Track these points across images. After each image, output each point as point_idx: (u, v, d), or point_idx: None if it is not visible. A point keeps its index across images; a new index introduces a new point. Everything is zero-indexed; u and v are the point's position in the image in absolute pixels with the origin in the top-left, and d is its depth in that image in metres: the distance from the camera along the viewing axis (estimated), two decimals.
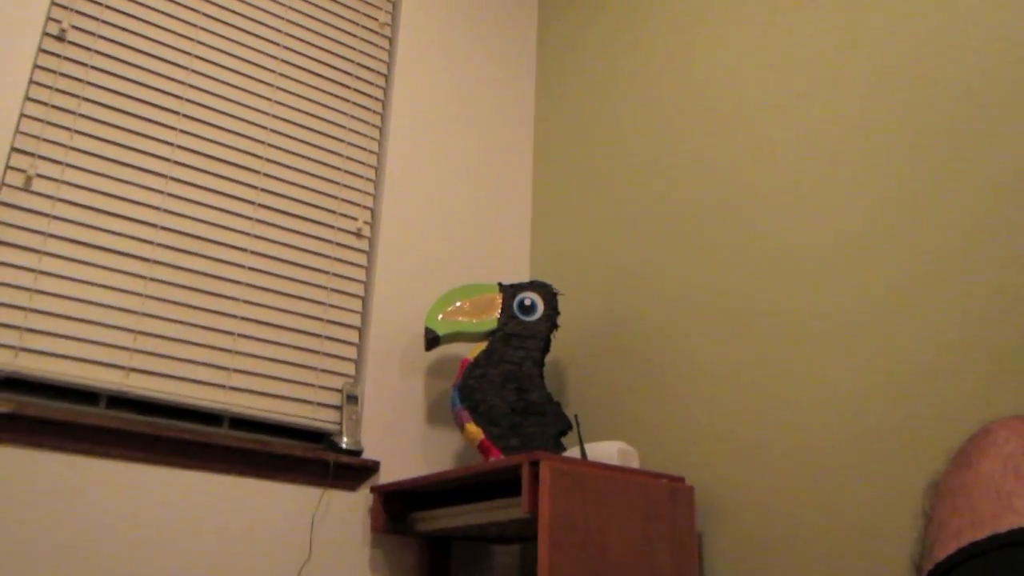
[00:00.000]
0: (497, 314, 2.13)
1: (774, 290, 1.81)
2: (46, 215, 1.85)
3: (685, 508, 1.76)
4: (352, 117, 2.40)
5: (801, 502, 1.63)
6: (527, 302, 2.14)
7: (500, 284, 2.18)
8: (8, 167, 1.83)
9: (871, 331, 1.59)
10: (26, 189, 1.84)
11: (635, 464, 1.83)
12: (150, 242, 1.98)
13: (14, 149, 1.85)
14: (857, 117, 1.72)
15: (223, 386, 1.99)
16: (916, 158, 1.59)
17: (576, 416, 1.92)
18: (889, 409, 1.53)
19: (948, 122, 1.56)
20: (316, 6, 2.41)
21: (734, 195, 1.97)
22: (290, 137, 2.27)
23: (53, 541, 1.68)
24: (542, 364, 2.09)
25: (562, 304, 2.40)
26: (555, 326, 2.13)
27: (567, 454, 1.83)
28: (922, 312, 1.52)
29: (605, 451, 1.81)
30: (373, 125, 2.45)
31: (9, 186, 1.82)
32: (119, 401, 1.88)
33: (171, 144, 2.06)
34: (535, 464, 1.61)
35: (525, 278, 2.59)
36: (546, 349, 2.11)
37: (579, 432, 1.87)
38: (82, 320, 1.85)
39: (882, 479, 1.51)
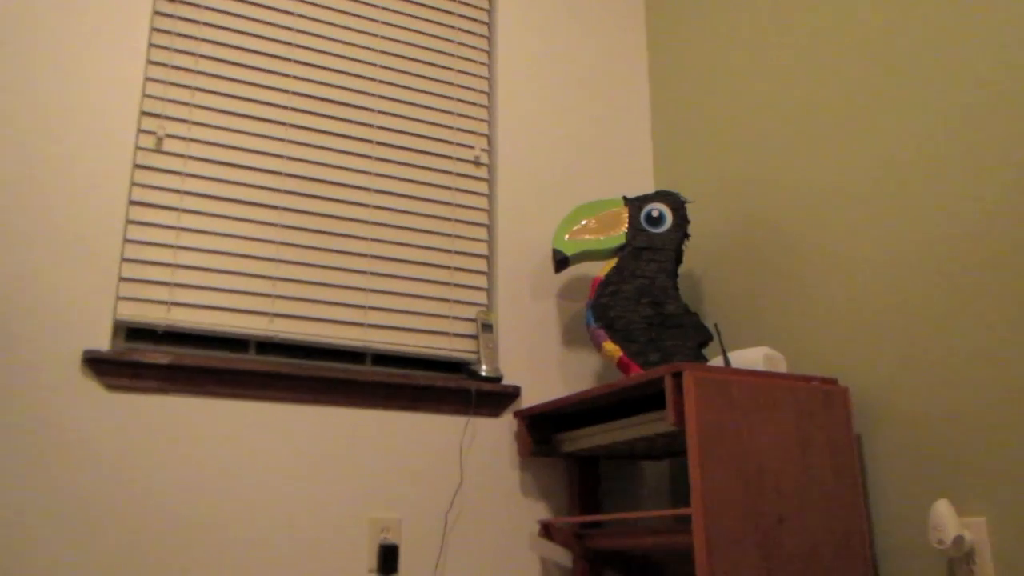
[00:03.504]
0: (624, 229, 2.07)
1: (914, 177, 1.67)
2: (179, 173, 1.92)
3: (840, 410, 1.68)
4: (459, 44, 2.36)
5: (963, 391, 1.52)
6: (655, 213, 2.07)
7: (625, 198, 2.12)
8: (140, 131, 1.90)
9: None
10: (158, 150, 1.91)
11: (782, 369, 1.75)
12: (278, 190, 2.02)
13: (143, 112, 1.91)
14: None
15: (362, 324, 2.04)
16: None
17: (716, 325, 1.85)
18: None
19: None
20: None
21: (855, 89, 1.82)
22: (400, 71, 2.25)
23: (215, 481, 1.77)
24: (676, 275, 2.03)
25: (691, 212, 2.31)
26: (686, 235, 2.06)
27: (710, 365, 1.78)
28: None
29: (750, 358, 1.75)
30: (481, 49, 2.40)
31: (143, 149, 1.90)
32: (267, 346, 1.95)
33: (286, 91, 2.09)
34: (677, 375, 1.57)
35: (650, 190, 2.51)
36: (678, 260, 2.05)
37: (720, 341, 1.80)
38: (224, 271, 1.92)
39: None
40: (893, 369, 1.68)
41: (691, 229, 2.30)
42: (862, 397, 1.73)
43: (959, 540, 1.46)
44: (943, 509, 1.48)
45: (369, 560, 1.87)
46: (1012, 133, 1.52)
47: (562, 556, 2.07)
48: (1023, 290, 1.46)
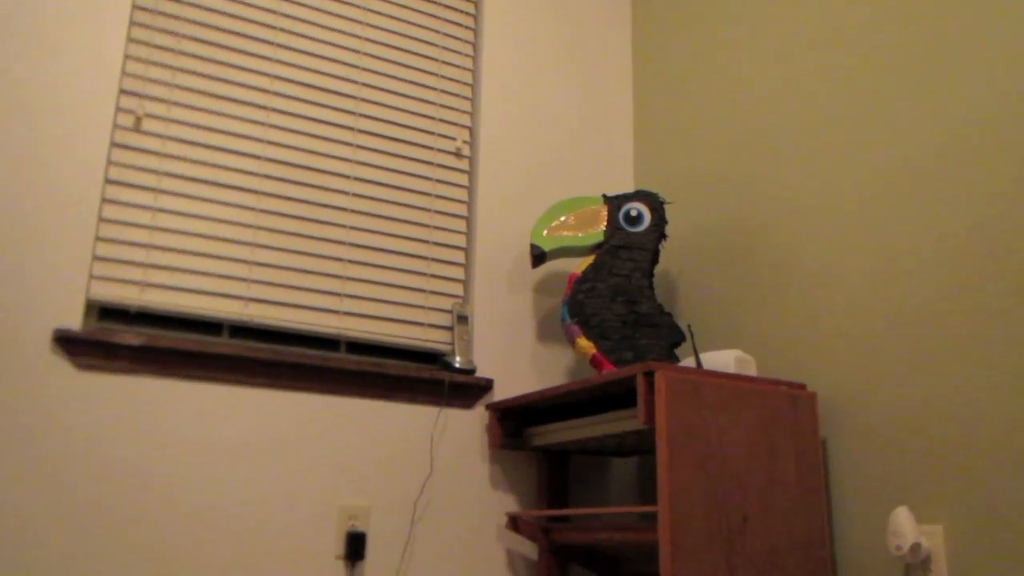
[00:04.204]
0: (603, 226, 2.09)
1: (890, 188, 1.69)
2: (158, 153, 1.91)
3: (807, 415, 1.71)
4: (445, 35, 2.36)
5: (928, 401, 1.55)
6: (633, 212, 2.08)
7: (604, 196, 2.13)
8: (119, 109, 1.88)
9: (1010, 232, 1.48)
10: (137, 130, 1.89)
11: (752, 372, 1.78)
12: (257, 174, 2.01)
13: (122, 91, 1.89)
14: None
15: (337, 311, 2.04)
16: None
17: (689, 326, 1.87)
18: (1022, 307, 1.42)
19: None
20: None
21: (836, 96, 1.84)
22: (384, 60, 2.24)
23: (187, 463, 1.77)
24: (651, 275, 2.04)
25: (669, 213, 2.33)
26: (663, 236, 2.07)
27: (682, 365, 1.80)
28: None
29: (721, 360, 1.77)
30: (466, 41, 2.40)
31: (121, 128, 1.88)
32: (241, 330, 1.95)
33: (269, 75, 2.07)
34: (650, 375, 1.59)
35: (630, 189, 2.52)
36: (655, 260, 2.06)
37: (693, 342, 1.82)
38: (200, 254, 1.91)
39: (1012, 378, 1.41)
40: (860, 377, 1.70)
41: (669, 230, 2.32)
42: (829, 403, 1.76)
43: (916, 547, 1.49)
44: (902, 516, 1.51)
45: (337, 547, 1.87)
46: (992, 149, 1.54)
47: (528, 549, 2.09)
48: (989, 304, 1.49)
